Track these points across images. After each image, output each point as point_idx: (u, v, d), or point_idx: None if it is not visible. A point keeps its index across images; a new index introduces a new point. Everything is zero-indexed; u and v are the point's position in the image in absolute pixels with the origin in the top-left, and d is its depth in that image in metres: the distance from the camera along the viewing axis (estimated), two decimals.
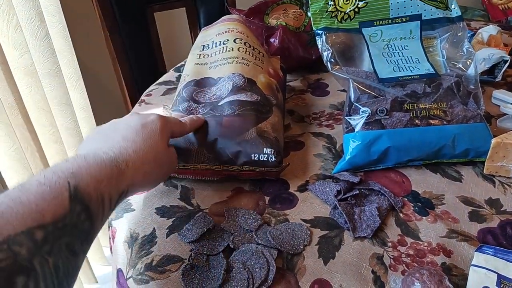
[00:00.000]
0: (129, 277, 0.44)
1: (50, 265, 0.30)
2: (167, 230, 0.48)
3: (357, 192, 0.51)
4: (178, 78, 0.85)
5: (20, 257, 0.28)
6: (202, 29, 0.71)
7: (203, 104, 0.56)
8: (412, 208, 0.51)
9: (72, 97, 1.15)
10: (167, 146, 0.46)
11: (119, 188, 0.39)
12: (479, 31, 0.89)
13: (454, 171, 0.56)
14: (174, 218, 0.50)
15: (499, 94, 0.71)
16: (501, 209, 0.50)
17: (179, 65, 0.91)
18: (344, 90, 0.75)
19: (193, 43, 0.69)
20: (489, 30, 0.88)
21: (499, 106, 0.70)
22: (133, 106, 0.77)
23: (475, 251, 0.43)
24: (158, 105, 0.75)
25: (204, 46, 0.65)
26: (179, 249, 0.46)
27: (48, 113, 1.07)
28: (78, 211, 0.33)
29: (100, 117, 1.30)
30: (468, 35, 0.67)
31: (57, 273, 0.31)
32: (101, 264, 1.43)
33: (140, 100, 0.78)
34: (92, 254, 1.39)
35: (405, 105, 0.56)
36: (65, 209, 0.32)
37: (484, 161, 0.55)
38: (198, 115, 0.55)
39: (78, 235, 0.34)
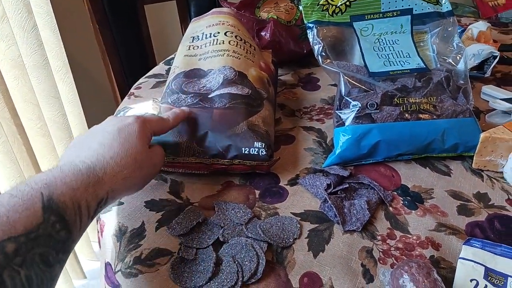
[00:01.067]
0: (118, 271, 0.43)
1: (22, 277, 0.30)
2: (156, 223, 0.48)
3: (347, 185, 0.51)
4: (168, 71, 0.84)
5: None
6: (192, 20, 0.70)
7: (192, 94, 0.55)
8: (402, 202, 0.51)
9: (60, 90, 1.14)
10: (147, 148, 0.45)
11: (98, 195, 0.39)
12: (469, 27, 0.89)
13: (443, 165, 0.57)
14: (163, 212, 0.49)
15: (488, 89, 0.72)
16: (489, 203, 0.51)
17: (169, 58, 0.90)
18: (335, 85, 0.76)
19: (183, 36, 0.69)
20: (479, 26, 0.88)
21: (488, 101, 0.71)
22: (122, 100, 0.76)
23: (463, 244, 0.44)
24: (147, 98, 0.74)
25: (194, 37, 0.65)
26: (168, 243, 0.46)
27: (35, 106, 1.05)
28: (52, 221, 0.33)
29: (89, 111, 1.29)
30: (459, 31, 0.67)
31: (30, 284, 0.31)
32: (89, 259, 1.41)
33: (129, 93, 0.77)
34: (80, 249, 1.38)
35: (396, 99, 0.56)
36: (38, 219, 0.32)
37: (473, 156, 0.56)
38: (183, 108, 0.54)
39: (54, 245, 0.33)
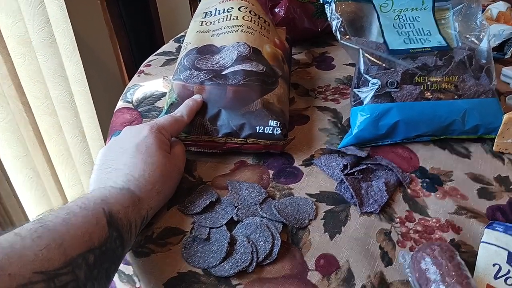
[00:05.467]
0: (129, 250, 0.43)
1: None
2: (168, 202, 0.47)
3: (365, 166, 0.50)
4: (178, 49, 0.82)
5: (80, 282, 0.28)
6: None
7: (205, 71, 0.54)
8: (420, 184, 0.49)
9: (67, 69, 1.12)
10: (168, 154, 0.44)
11: (141, 214, 0.39)
12: (488, 7, 0.87)
13: (462, 147, 0.55)
14: (175, 190, 0.48)
15: (509, 71, 0.69)
16: (511, 187, 0.49)
17: (179, 35, 0.88)
18: (350, 64, 0.73)
19: (192, 16, 0.66)
20: (498, 7, 0.85)
21: (509, 83, 0.68)
22: (130, 79, 0.75)
23: (486, 228, 0.42)
24: (157, 76, 0.72)
25: (206, 13, 0.62)
26: (181, 222, 0.44)
27: (42, 84, 1.04)
28: (114, 237, 0.33)
29: (96, 90, 1.27)
30: None
31: None
32: None
33: (139, 70, 0.75)
34: None
35: (416, 78, 0.54)
36: (106, 233, 0.33)
37: (493, 138, 0.54)
38: (194, 97, 0.52)
39: (114, 261, 0.34)
